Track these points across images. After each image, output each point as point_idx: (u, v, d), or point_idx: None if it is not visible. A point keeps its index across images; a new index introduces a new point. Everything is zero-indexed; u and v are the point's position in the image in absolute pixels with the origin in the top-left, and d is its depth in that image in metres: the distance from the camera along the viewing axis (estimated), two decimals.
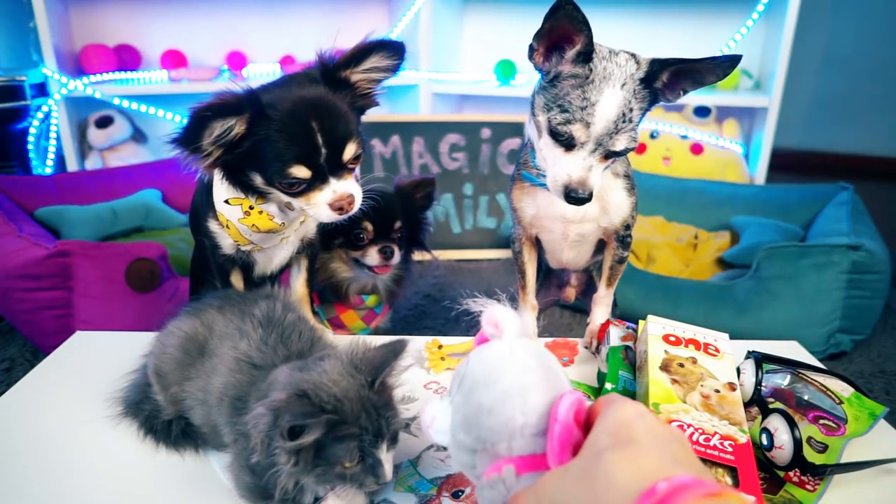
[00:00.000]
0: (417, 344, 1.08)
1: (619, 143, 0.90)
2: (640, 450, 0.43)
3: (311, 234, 1.15)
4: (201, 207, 1.08)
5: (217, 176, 0.96)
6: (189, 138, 0.82)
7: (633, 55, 0.91)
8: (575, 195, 0.91)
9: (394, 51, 0.93)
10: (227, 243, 1.07)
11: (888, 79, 4.12)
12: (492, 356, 0.53)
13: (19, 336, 1.88)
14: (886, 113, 4.19)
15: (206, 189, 1.04)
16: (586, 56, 0.89)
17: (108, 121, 2.80)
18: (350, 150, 0.91)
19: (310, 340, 0.80)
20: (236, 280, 1.12)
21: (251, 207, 0.98)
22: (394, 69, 0.95)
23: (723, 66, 0.89)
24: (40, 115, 2.65)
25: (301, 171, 0.88)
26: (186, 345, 0.81)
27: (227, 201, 0.99)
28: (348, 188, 0.91)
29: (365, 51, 0.91)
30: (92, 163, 2.81)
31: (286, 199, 0.93)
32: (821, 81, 4.22)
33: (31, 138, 2.66)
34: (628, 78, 0.89)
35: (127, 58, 2.92)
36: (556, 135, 0.92)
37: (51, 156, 2.72)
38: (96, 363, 1.01)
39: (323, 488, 0.70)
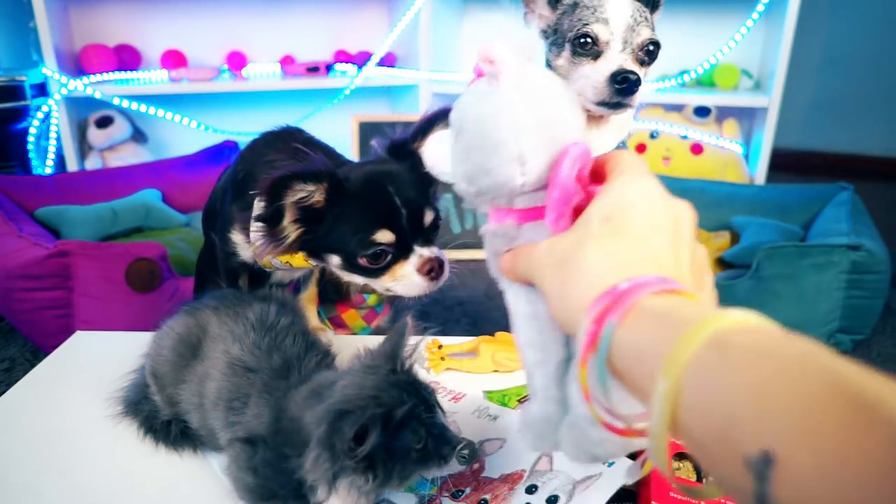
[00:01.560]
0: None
1: (644, 33, 0.92)
2: (623, 243, 0.41)
3: None
4: (226, 215, 1.05)
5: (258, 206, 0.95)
6: (271, 199, 0.79)
7: None
8: (625, 75, 0.88)
9: None
10: (246, 254, 1.04)
11: (888, 79, 4.12)
12: (487, 110, 0.49)
13: (19, 336, 1.88)
14: (886, 113, 4.18)
15: (235, 199, 1.01)
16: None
17: (108, 121, 2.80)
18: (429, 215, 0.88)
19: (304, 344, 0.79)
20: (243, 284, 1.11)
21: None
22: None
23: None
24: (40, 115, 2.65)
25: (385, 236, 0.85)
26: (180, 347, 0.81)
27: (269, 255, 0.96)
28: (435, 252, 0.88)
29: (429, 122, 0.90)
30: (92, 163, 2.81)
31: (363, 281, 0.89)
32: (821, 81, 4.22)
33: (31, 138, 2.65)
34: None
35: (127, 58, 2.92)
36: (580, 44, 0.93)
37: (51, 156, 2.72)
38: (96, 363, 1.01)
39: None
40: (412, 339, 0.71)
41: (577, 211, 0.47)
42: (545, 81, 0.50)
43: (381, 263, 0.86)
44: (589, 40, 0.92)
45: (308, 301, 1.25)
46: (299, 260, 0.97)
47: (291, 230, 0.84)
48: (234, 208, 1.01)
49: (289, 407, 0.70)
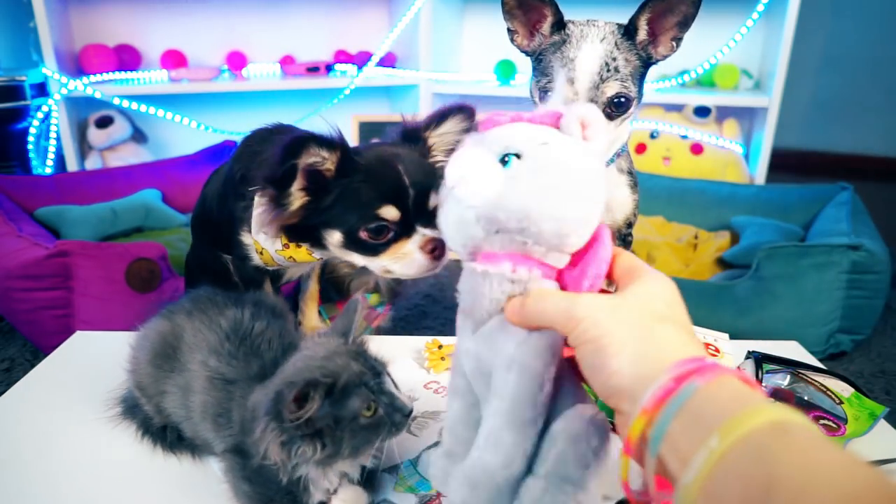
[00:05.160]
0: (417, 344, 1.08)
1: (610, 90, 0.90)
2: (685, 331, 0.48)
3: None
4: (232, 219, 1.03)
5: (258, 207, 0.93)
6: (286, 157, 0.79)
7: (617, 22, 0.94)
8: None
9: (468, 115, 0.94)
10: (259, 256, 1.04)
11: (888, 79, 4.12)
12: (587, 165, 0.52)
13: (19, 336, 1.88)
14: (886, 113, 4.19)
15: (240, 197, 0.99)
16: (559, 24, 0.93)
17: (108, 121, 2.80)
18: (434, 199, 0.87)
19: (281, 347, 0.78)
20: (267, 287, 1.10)
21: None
22: (466, 131, 0.95)
23: None
24: (40, 115, 2.65)
25: (390, 212, 0.85)
26: (157, 359, 0.80)
27: (265, 232, 0.95)
28: (437, 234, 0.86)
29: (444, 114, 0.93)
30: (92, 163, 2.81)
31: (363, 261, 0.89)
32: (821, 81, 4.22)
33: (31, 138, 2.65)
34: (608, 34, 0.91)
35: (127, 58, 2.92)
36: (546, 99, 0.93)
37: (51, 156, 2.72)
38: (96, 363, 1.01)
39: (340, 477, 0.70)
40: (360, 316, 0.74)
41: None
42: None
43: (382, 240, 0.86)
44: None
45: (310, 299, 1.24)
46: (302, 254, 0.97)
47: (297, 197, 0.83)
48: (240, 208, 1.00)
49: (248, 404, 0.70)
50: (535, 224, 0.49)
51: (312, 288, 1.19)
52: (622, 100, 0.91)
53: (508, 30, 0.98)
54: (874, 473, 0.34)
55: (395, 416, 0.67)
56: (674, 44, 0.96)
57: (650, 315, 0.48)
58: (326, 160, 0.82)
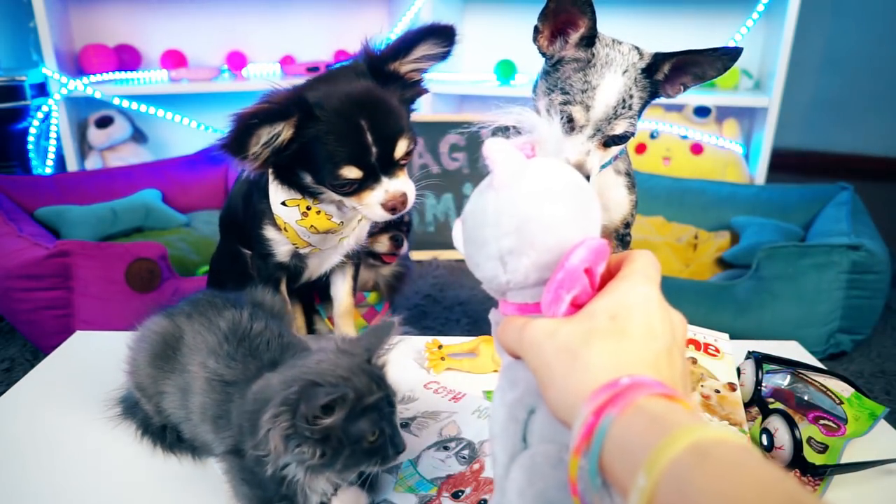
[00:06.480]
0: (417, 344, 1.08)
1: (618, 128, 0.91)
2: (627, 344, 0.44)
3: (365, 236, 1.13)
4: (255, 214, 1.04)
5: (272, 178, 0.95)
6: (236, 146, 0.81)
7: (637, 47, 0.93)
8: None
9: (444, 37, 0.89)
10: (283, 250, 1.04)
11: (888, 79, 4.12)
12: (478, 207, 0.51)
13: (19, 336, 1.88)
14: (886, 113, 4.19)
15: (263, 194, 1.00)
16: (589, 40, 0.91)
17: (108, 121, 2.80)
18: (401, 147, 0.89)
19: (279, 347, 0.78)
20: (283, 288, 1.10)
21: (308, 208, 0.96)
22: (444, 56, 0.91)
23: (723, 59, 0.90)
24: (40, 115, 2.65)
25: (352, 172, 0.87)
26: (157, 361, 0.80)
27: (284, 203, 0.97)
28: (401, 186, 0.90)
29: (414, 40, 0.88)
30: (92, 163, 2.81)
31: (337, 198, 0.92)
32: (821, 81, 4.22)
33: (31, 138, 2.65)
34: (630, 66, 0.90)
35: (127, 58, 2.92)
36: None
37: (51, 156, 2.72)
38: (96, 363, 1.01)
39: (333, 485, 0.70)
40: (394, 339, 0.72)
41: (577, 306, 0.47)
42: (543, 184, 0.48)
43: (346, 191, 0.90)
44: (565, 116, 0.91)
45: (345, 314, 1.18)
46: (322, 220, 0.97)
47: (261, 153, 0.84)
48: (265, 205, 1.00)
49: (248, 399, 0.70)
50: (474, 272, 0.52)
51: (346, 301, 1.16)
52: (625, 134, 0.92)
53: (536, 28, 0.94)
54: (790, 492, 0.33)
55: (390, 449, 0.67)
56: (681, 88, 0.96)
57: (583, 336, 0.44)
58: (282, 130, 0.83)
